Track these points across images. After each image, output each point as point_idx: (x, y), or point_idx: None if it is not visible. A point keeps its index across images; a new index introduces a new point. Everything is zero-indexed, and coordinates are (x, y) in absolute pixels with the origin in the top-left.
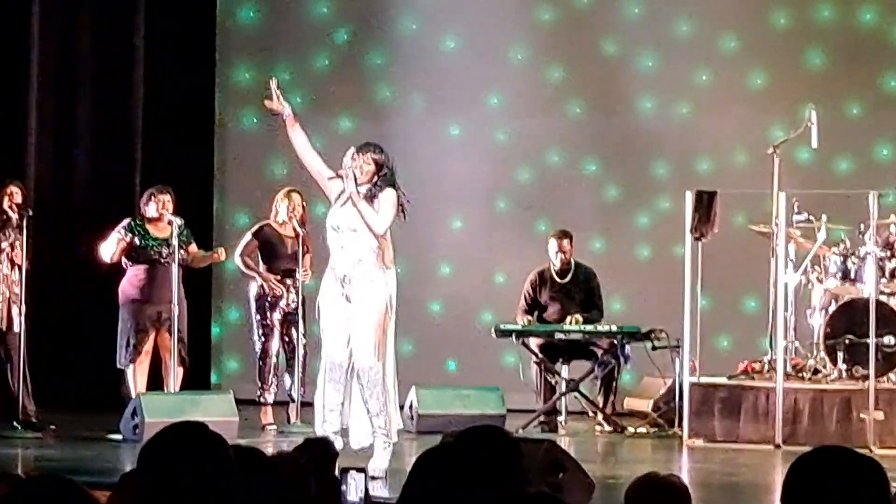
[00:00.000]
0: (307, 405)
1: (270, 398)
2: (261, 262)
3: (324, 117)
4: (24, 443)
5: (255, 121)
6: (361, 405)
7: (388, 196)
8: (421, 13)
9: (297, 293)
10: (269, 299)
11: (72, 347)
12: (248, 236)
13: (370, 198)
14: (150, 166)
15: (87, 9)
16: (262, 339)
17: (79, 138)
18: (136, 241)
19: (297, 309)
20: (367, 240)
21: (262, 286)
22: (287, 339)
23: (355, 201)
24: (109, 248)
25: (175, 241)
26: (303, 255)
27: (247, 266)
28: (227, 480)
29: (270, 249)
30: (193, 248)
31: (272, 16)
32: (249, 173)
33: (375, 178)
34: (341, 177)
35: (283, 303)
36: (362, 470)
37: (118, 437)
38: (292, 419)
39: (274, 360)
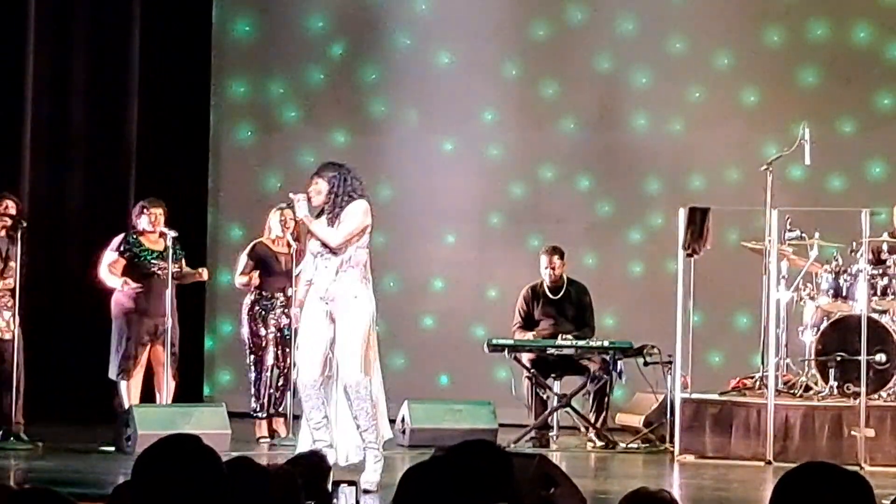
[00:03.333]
0: (300, 419)
1: (264, 412)
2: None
3: (318, 131)
4: (16, 454)
5: (250, 134)
6: (347, 421)
7: (351, 208)
8: (415, 28)
9: (289, 308)
10: (261, 313)
11: (64, 359)
12: (243, 258)
13: (334, 217)
14: (144, 180)
15: (82, 22)
16: (255, 352)
17: (73, 152)
18: (133, 258)
19: (290, 324)
20: (344, 257)
21: (255, 300)
22: (280, 354)
23: (306, 224)
24: (113, 280)
25: (169, 253)
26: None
27: (248, 285)
28: (220, 493)
29: (264, 266)
30: (183, 263)
31: (267, 30)
32: (243, 187)
33: (332, 196)
34: (290, 207)
35: (274, 317)
36: (353, 483)
37: (110, 449)
38: (284, 433)
39: (268, 373)
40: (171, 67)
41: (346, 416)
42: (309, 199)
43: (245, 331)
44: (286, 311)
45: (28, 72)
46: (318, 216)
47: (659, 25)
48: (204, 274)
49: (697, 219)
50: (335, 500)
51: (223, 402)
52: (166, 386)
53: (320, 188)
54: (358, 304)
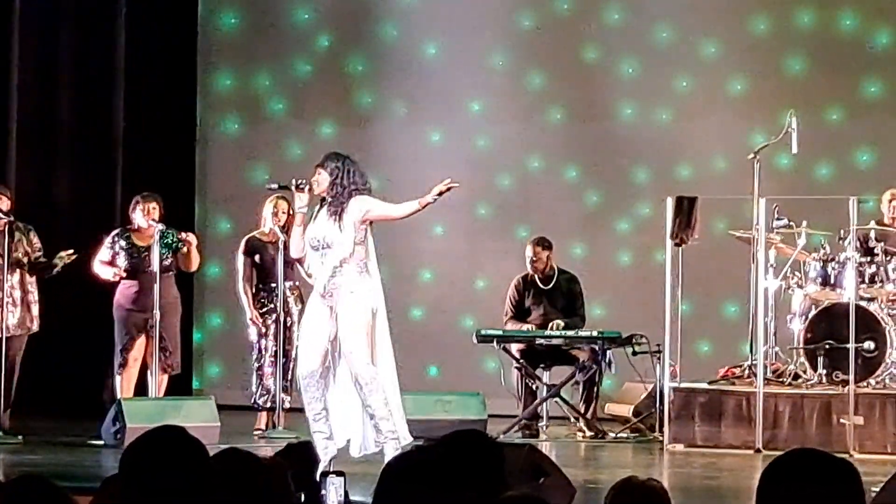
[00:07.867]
0: (294, 411)
1: (266, 404)
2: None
3: (305, 123)
4: (3, 448)
5: (236, 127)
6: (357, 412)
7: (350, 207)
8: (402, 20)
9: (282, 302)
10: (262, 305)
11: (54, 354)
12: (240, 258)
13: (338, 211)
14: (131, 173)
15: (67, 16)
16: (258, 343)
17: (60, 145)
18: (121, 257)
19: (285, 317)
20: (342, 251)
21: (255, 292)
22: (279, 346)
23: (299, 218)
24: (105, 272)
25: (156, 248)
26: (290, 263)
27: (247, 301)
28: (208, 484)
29: (260, 260)
30: (187, 247)
31: (253, 22)
32: (231, 180)
33: (334, 188)
34: (301, 189)
35: (274, 308)
36: (342, 474)
37: (100, 442)
38: (277, 425)
39: (268, 364)
40: (158, 60)
41: (356, 408)
42: (311, 189)
43: (249, 322)
44: (276, 303)
45: (13, 65)
46: (322, 203)
47: (645, 15)
48: (193, 239)
49: (685, 208)
50: (323, 492)
51: (212, 395)
52: (154, 380)
53: (322, 178)
54: (355, 299)
